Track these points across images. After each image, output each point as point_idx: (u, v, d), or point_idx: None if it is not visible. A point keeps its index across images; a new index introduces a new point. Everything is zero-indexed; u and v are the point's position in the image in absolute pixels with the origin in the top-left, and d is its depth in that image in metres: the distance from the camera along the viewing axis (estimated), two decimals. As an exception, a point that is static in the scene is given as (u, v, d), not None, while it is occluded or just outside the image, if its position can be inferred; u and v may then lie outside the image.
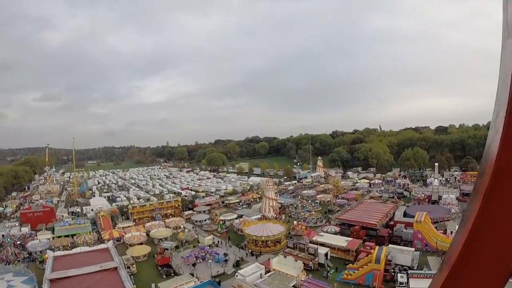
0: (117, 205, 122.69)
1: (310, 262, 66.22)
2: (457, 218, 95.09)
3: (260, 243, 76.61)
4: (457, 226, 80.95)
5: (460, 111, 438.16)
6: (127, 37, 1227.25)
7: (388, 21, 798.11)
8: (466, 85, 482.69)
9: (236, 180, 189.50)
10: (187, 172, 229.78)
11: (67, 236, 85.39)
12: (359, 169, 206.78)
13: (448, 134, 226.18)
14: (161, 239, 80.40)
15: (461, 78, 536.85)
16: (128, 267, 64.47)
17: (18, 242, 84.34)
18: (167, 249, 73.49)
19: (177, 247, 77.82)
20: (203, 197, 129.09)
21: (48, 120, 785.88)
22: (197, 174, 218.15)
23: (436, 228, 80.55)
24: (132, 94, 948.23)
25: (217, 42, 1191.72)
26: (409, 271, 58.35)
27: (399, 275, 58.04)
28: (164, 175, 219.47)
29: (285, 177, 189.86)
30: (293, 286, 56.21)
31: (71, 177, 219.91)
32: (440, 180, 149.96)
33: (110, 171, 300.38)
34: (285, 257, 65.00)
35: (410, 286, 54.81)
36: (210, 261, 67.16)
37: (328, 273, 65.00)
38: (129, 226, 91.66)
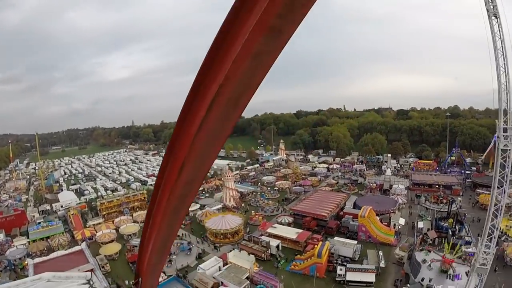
0: (86, 199, 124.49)
1: (263, 254, 72.63)
2: (404, 208, 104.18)
3: (220, 235, 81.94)
4: (400, 219, 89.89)
5: (423, 90, 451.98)
6: (88, 12, 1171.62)
7: (356, 1, 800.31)
8: (431, 66, 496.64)
9: None
10: (153, 155, 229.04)
11: (42, 239, 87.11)
12: (320, 151, 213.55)
13: (408, 119, 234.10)
14: (130, 236, 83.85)
15: (426, 60, 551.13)
16: (103, 267, 68.04)
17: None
18: (136, 246, 76.23)
19: None
20: None
21: (9, 105, 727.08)
22: (162, 157, 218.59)
23: (381, 220, 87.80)
24: (96, 71, 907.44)
25: (183, 16, 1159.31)
26: (347, 265, 65.34)
27: (338, 267, 65.36)
28: (130, 159, 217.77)
29: (248, 160, 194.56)
30: (246, 277, 62.49)
31: (36, 168, 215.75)
32: (395, 167, 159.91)
33: (76, 157, 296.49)
34: (240, 250, 71.73)
35: (346, 278, 62.50)
36: (174, 256, 71.46)
37: (279, 264, 71.60)
38: (99, 223, 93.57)
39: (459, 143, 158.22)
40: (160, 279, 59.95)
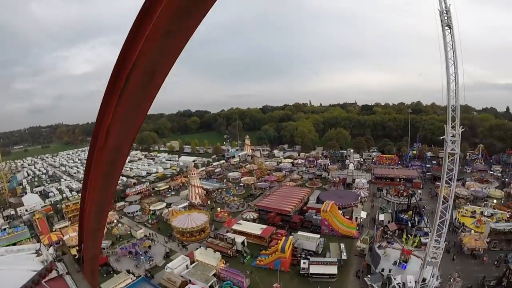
0: (51, 201, 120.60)
1: (229, 251, 73.97)
2: (366, 202, 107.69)
3: (186, 233, 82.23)
4: (362, 212, 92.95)
5: (388, 86, 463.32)
6: (51, 4, 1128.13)
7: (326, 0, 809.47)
8: (396, 64, 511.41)
9: (167, 160, 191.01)
10: None
11: (8, 245, 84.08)
12: (286, 146, 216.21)
13: (372, 115, 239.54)
14: None
15: (392, 58, 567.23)
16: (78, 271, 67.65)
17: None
18: (103, 248, 75.18)
19: (112, 243, 79.85)
20: (134, 184, 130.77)
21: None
22: (128, 155, 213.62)
23: (343, 213, 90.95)
24: (59, 65, 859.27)
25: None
26: (311, 259, 67.50)
27: (302, 261, 67.48)
28: None
29: (214, 156, 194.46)
30: (213, 275, 63.61)
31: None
32: (358, 161, 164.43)
33: (39, 157, 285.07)
34: (206, 248, 72.64)
35: (310, 271, 64.85)
36: (142, 257, 71.62)
37: (244, 260, 73.22)
38: (66, 227, 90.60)
39: (420, 137, 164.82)
40: (129, 281, 60.64)
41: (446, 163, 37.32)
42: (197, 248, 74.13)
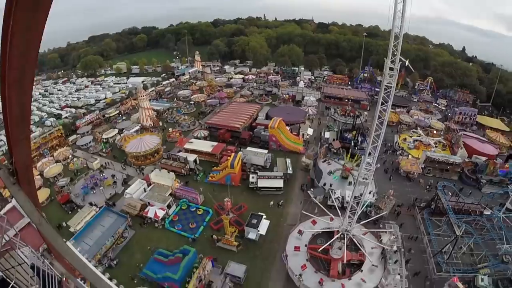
0: (2, 150, 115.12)
1: (182, 170, 77.32)
2: (314, 119, 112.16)
3: (141, 157, 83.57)
4: (309, 129, 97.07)
5: (349, 5, 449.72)
6: None
7: None
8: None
9: (115, 84, 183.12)
10: (63, 83, 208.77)
11: None
12: (237, 62, 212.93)
13: (326, 34, 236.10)
14: (55, 177, 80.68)
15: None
16: (42, 216, 67.23)
17: None
18: (63, 186, 75.50)
19: (71, 179, 79.38)
20: (84, 114, 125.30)
21: None
22: (74, 83, 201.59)
23: (291, 130, 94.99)
24: None
25: None
26: (259, 173, 72.63)
27: (250, 176, 72.67)
28: (39, 93, 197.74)
29: (163, 75, 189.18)
30: (169, 194, 67.77)
31: None
32: (309, 79, 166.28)
33: None
34: (160, 170, 75.51)
35: (258, 185, 70.34)
36: (101, 187, 72.80)
37: (198, 177, 77.37)
38: None
39: (372, 61, 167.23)
40: (93, 213, 63.40)
41: (382, 94, 38.26)
42: (152, 171, 76.36)
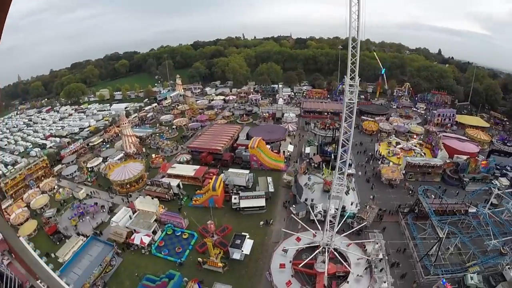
0: None
1: (166, 195, 78.94)
2: (295, 135, 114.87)
3: (125, 185, 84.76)
4: (289, 146, 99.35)
5: (327, 19, 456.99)
6: None
7: None
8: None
9: (99, 111, 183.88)
10: (47, 111, 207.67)
11: None
12: (218, 83, 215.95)
13: (305, 49, 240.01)
14: (42, 208, 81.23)
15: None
16: (34, 249, 67.29)
17: None
18: (50, 217, 76.31)
19: (58, 210, 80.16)
20: (68, 143, 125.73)
21: None
22: (58, 112, 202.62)
23: (272, 148, 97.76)
24: None
25: None
26: (241, 194, 74.68)
27: (233, 197, 74.77)
28: (24, 123, 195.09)
29: (146, 100, 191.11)
30: (154, 220, 69.46)
31: None
32: (289, 95, 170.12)
33: None
34: (144, 196, 77.13)
35: (241, 206, 72.47)
36: (87, 217, 74.01)
37: (182, 202, 79.10)
38: (10, 205, 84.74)
39: None
40: (81, 242, 64.54)
41: (345, 110, 40.63)
42: (136, 198, 77.97)
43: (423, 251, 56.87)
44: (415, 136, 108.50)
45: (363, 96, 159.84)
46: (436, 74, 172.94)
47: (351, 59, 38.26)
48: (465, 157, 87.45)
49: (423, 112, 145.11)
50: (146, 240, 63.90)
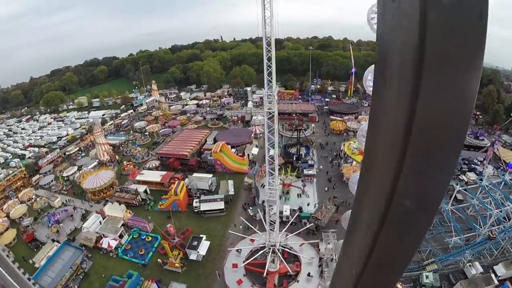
0: None
1: (134, 201, 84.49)
2: (261, 138, 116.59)
3: (98, 192, 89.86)
4: (254, 149, 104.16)
5: (307, 19, 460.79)
6: None
7: None
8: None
9: (77, 119, 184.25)
10: (27, 121, 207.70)
11: None
12: (193, 87, 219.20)
13: (280, 50, 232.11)
14: (21, 217, 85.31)
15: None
16: (7, 256, 69.08)
17: None
18: (28, 226, 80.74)
19: (35, 219, 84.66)
20: (46, 153, 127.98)
21: None
22: (37, 121, 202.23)
23: (236, 152, 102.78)
24: None
25: None
26: (201, 197, 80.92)
27: (194, 201, 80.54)
28: (3, 133, 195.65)
29: (122, 107, 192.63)
30: (121, 225, 75.25)
31: None
32: (261, 97, 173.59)
33: None
34: (112, 203, 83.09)
35: (201, 209, 78.47)
36: (61, 224, 78.96)
37: (149, 207, 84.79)
38: None
39: (321, 73, 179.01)
40: (55, 248, 70.20)
41: (266, 122, 43.27)
42: (105, 204, 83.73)
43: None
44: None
45: (335, 96, 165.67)
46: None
47: (267, 63, 39.69)
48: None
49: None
50: (113, 243, 69.72)
